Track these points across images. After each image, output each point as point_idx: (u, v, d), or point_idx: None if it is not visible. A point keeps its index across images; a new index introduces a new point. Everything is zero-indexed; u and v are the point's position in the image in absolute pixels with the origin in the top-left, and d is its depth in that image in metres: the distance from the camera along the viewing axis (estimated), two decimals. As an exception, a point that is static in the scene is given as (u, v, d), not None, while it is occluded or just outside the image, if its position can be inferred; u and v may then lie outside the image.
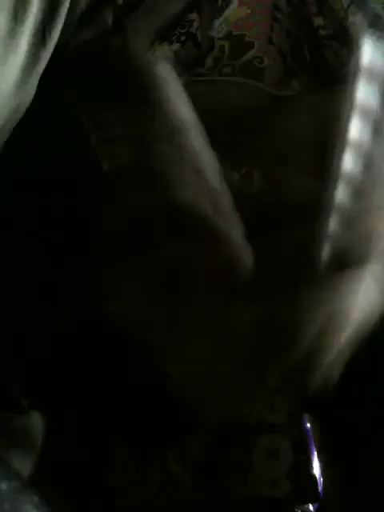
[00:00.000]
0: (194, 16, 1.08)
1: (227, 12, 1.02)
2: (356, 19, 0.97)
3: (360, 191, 0.88)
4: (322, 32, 1.01)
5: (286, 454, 0.88)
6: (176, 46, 1.07)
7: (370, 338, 0.90)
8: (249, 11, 1.00)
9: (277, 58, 1.00)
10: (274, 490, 0.86)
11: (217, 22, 1.02)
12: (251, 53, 0.98)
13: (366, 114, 0.88)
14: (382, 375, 0.94)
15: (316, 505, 1.89)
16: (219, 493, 0.86)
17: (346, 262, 0.81)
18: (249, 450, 0.87)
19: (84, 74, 0.90)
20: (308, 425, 2.23)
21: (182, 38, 1.07)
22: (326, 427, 1.04)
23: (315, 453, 2.18)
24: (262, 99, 0.94)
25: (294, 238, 0.86)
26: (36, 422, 0.80)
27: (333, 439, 1.02)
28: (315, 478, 0.93)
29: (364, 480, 1.00)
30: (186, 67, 1.04)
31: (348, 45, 1.01)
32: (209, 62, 0.99)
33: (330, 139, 0.96)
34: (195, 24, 1.07)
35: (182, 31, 1.08)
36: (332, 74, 1.00)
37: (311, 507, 1.99)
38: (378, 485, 0.98)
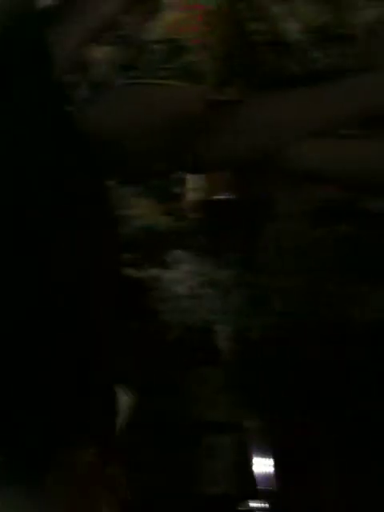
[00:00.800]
0: (128, 18, 1.04)
1: (163, 15, 0.97)
2: (288, 26, 0.97)
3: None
4: (256, 38, 1.00)
5: (226, 453, 0.86)
6: (109, 47, 1.04)
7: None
8: (183, 16, 0.96)
9: (211, 62, 0.96)
10: (215, 487, 0.85)
11: (152, 25, 0.98)
12: (186, 56, 0.94)
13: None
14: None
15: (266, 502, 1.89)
16: (162, 490, 0.85)
17: None
18: (194, 449, 0.86)
19: None
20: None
21: (116, 40, 1.04)
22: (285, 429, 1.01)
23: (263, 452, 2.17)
24: (197, 103, 0.94)
25: None
26: None
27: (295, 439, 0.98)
28: (254, 476, 0.91)
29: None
30: (121, 69, 1.01)
31: (280, 52, 0.99)
32: (144, 64, 0.95)
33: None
34: (128, 26, 1.03)
35: (116, 33, 1.04)
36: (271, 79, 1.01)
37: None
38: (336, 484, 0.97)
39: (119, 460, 0.80)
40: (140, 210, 0.95)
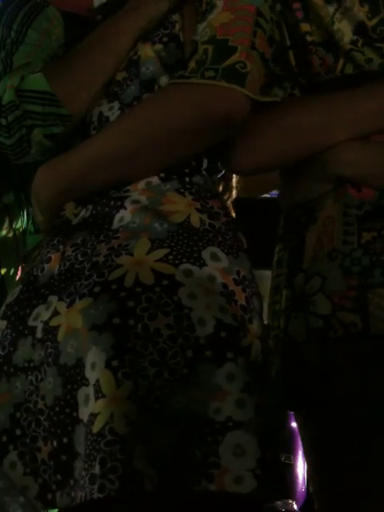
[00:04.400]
0: (176, 17, 1.04)
1: (210, 16, 0.97)
2: (341, 26, 0.97)
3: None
4: (308, 38, 0.99)
5: (252, 450, 0.84)
6: (159, 46, 1.03)
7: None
8: (232, 16, 0.96)
9: (259, 63, 0.95)
10: (239, 486, 0.83)
11: (200, 26, 0.98)
12: (234, 57, 0.93)
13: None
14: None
15: (301, 502, 1.89)
16: (185, 489, 0.83)
17: None
18: (216, 447, 0.83)
19: None
20: (293, 424, 2.24)
21: (165, 39, 1.03)
22: (315, 426, 1.02)
23: (300, 451, 2.18)
24: (244, 104, 0.93)
25: None
26: None
27: (322, 438, 1.00)
28: (281, 474, 0.90)
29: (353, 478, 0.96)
30: (169, 68, 1.01)
31: (333, 51, 0.98)
32: (192, 64, 0.95)
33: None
34: (178, 26, 1.03)
35: (164, 32, 1.04)
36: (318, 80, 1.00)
37: (295, 506, 1.99)
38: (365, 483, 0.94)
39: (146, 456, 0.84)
40: (176, 206, 0.95)
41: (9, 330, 0.97)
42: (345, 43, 0.96)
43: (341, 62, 0.97)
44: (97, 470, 0.82)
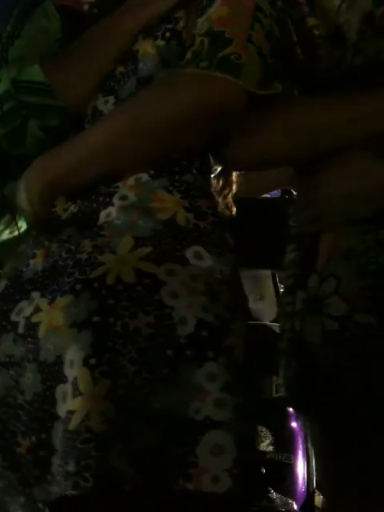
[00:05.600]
0: (181, 14, 1.02)
1: (210, 10, 0.97)
2: (348, 17, 0.96)
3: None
4: (315, 32, 0.97)
5: (229, 450, 0.84)
6: (161, 42, 1.01)
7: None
8: (230, 11, 0.95)
9: (256, 57, 0.94)
10: (216, 486, 0.83)
11: (199, 20, 0.98)
12: (229, 48, 0.92)
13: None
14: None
15: (301, 502, 1.89)
16: (164, 488, 0.83)
17: None
18: (194, 446, 0.83)
19: None
20: (293, 423, 2.24)
21: (167, 35, 1.01)
22: (323, 428, 1.02)
23: (300, 451, 2.19)
24: (238, 95, 0.92)
25: None
26: None
27: (329, 440, 1.00)
28: (259, 474, 0.89)
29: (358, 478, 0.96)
30: (168, 65, 1.00)
31: (341, 43, 0.96)
32: (188, 55, 0.95)
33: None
34: (181, 23, 1.01)
35: (168, 27, 1.02)
36: (326, 74, 0.99)
37: (295, 505, 1.99)
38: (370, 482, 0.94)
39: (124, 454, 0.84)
40: (164, 204, 0.93)
41: None
42: (352, 35, 0.95)
43: (350, 54, 0.96)
44: (72, 467, 0.83)
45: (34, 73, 0.99)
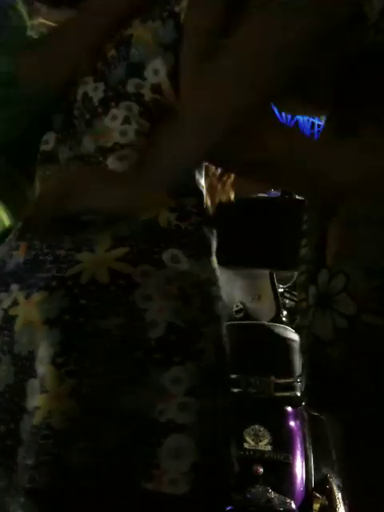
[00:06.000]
0: None
1: None
2: None
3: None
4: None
5: (189, 454, 0.85)
6: (157, 23, 1.01)
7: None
8: None
9: None
10: (174, 488, 0.84)
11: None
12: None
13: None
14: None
15: (299, 502, 1.89)
16: (129, 486, 0.85)
17: None
18: (158, 448, 0.85)
19: None
20: (292, 423, 2.24)
21: (164, 15, 1.01)
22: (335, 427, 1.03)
23: (298, 451, 2.19)
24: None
25: None
26: None
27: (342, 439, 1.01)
28: (218, 478, 0.91)
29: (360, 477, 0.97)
30: (163, 48, 1.00)
31: (362, 24, 0.93)
32: None
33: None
34: (182, 3, 1.01)
35: (167, 7, 1.01)
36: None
37: (293, 505, 1.99)
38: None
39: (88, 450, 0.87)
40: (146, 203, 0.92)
41: None
42: (374, 14, 0.93)
43: (371, 32, 0.94)
44: (30, 461, 0.85)
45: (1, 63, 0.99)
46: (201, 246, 0.95)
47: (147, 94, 0.99)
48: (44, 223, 0.94)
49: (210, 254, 0.96)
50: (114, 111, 0.99)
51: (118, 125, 0.98)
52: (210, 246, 0.97)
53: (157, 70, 1.00)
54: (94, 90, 1.02)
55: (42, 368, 0.86)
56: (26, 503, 0.92)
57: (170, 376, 0.86)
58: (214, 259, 0.98)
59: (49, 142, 1.06)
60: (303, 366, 1.02)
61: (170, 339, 0.87)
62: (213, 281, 0.96)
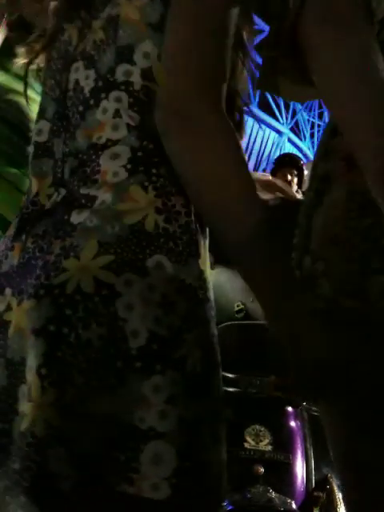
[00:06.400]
0: None
1: None
2: None
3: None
4: None
5: (169, 459, 0.86)
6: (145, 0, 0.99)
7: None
8: None
9: None
10: (155, 492, 0.85)
11: None
12: None
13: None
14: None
15: (299, 502, 1.89)
16: (106, 489, 0.86)
17: None
18: (138, 454, 0.86)
19: None
20: (292, 423, 2.24)
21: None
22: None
23: (298, 451, 2.18)
24: None
25: None
26: None
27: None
28: (200, 482, 0.91)
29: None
30: (152, 29, 0.97)
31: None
32: None
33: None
34: None
35: None
36: None
37: (294, 505, 1.99)
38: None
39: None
40: (136, 205, 0.91)
41: None
42: (381, 11, 0.95)
43: (377, 29, 0.96)
44: (17, 465, 0.87)
45: None
46: (188, 248, 0.93)
47: (137, 82, 0.96)
48: None
49: (198, 256, 0.95)
50: (104, 103, 0.96)
51: (109, 118, 0.96)
52: (198, 247, 0.95)
53: (146, 53, 0.97)
54: (85, 78, 0.99)
55: (29, 377, 0.87)
56: (26, 503, 0.93)
57: (151, 384, 0.86)
58: (204, 259, 0.96)
59: (42, 132, 1.03)
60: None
61: (151, 348, 0.86)
62: (200, 284, 0.94)
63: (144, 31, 0.96)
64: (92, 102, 0.98)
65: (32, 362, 0.88)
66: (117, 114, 0.96)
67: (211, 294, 0.96)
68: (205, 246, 0.97)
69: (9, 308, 0.93)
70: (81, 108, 0.99)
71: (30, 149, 1.05)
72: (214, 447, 0.92)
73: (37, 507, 0.89)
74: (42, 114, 1.05)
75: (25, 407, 0.88)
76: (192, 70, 0.88)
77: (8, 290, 0.95)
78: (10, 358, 0.91)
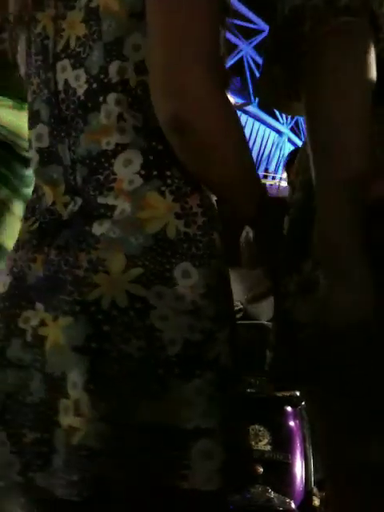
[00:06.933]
0: None
1: None
2: None
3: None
4: None
5: (219, 454, 0.91)
6: None
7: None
8: None
9: None
10: (208, 484, 0.91)
11: None
12: None
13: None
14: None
15: (298, 501, 1.90)
16: (162, 487, 0.91)
17: None
18: (187, 451, 0.90)
19: None
20: (291, 422, 2.24)
21: None
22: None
23: (298, 450, 2.19)
24: None
25: None
26: None
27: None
28: (246, 472, 0.99)
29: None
30: (136, 18, 0.94)
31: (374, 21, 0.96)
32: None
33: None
34: None
35: None
36: None
37: (293, 504, 1.99)
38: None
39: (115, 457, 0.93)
40: (155, 212, 0.92)
41: (2, 324, 0.99)
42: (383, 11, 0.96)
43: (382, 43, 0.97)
44: (75, 477, 0.90)
45: None
46: (208, 250, 0.95)
47: (132, 78, 0.93)
48: None
49: (219, 255, 0.96)
50: (105, 107, 0.94)
51: (114, 122, 0.94)
52: (219, 246, 0.97)
53: (137, 45, 0.93)
54: (75, 79, 0.95)
55: (76, 393, 0.90)
56: (26, 503, 0.95)
57: (193, 387, 0.90)
58: (222, 256, 0.97)
59: (42, 136, 1.01)
60: (273, 347, 1.07)
61: (188, 354, 0.90)
62: (222, 283, 0.96)
63: (129, 23, 0.92)
64: (90, 105, 0.95)
65: (77, 378, 0.90)
66: (121, 117, 0.94)
67: (230, 289, 0.99)
68: (220, 240, 0.98)
69: (43, 324, 0.94)
70: (80, 111, 0.96)
71: (33, 155, 1.03)
72: (247, 433, 1.00)
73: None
74: (36, 116, 1.02)
75: (73, 421, 0.90)
76: (203, 58, 0.85)
77: (39, 305, 0.95)
78: (49, 372, 0.93)
